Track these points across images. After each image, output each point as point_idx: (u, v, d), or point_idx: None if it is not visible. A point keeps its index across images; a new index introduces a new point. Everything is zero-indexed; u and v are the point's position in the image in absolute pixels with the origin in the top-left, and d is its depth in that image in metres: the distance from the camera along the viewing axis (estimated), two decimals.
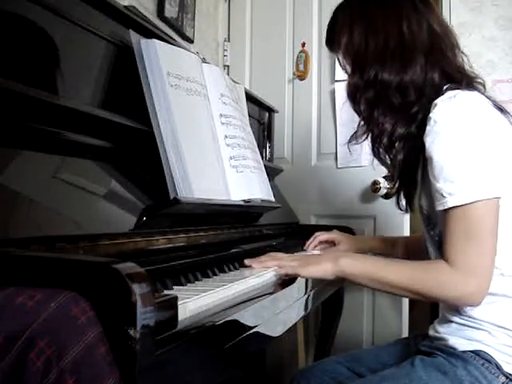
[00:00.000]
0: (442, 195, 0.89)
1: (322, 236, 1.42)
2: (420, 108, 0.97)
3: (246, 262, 1.09)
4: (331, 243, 1.43)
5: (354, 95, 1.04)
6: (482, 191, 0.86)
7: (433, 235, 1.02)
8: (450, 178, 0.88)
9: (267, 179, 1.40)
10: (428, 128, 0.92)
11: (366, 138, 1.07)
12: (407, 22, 0.98)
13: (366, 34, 1.00)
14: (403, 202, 1.14)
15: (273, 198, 1.40)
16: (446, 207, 0.88)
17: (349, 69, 1.06)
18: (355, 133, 1.08)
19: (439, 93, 0.94)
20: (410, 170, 1.04)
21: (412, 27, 0.98)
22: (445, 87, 0.96)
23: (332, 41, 1.09)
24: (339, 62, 1.09)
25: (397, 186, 1.13)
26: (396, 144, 1.01)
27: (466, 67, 1.01)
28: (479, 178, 0.86)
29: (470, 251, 0.87)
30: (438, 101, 0.92)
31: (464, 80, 0.98)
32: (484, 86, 1.00)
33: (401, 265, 1.01)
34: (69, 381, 0.51)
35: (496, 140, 0.91)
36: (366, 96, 1.01)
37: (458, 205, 0.87)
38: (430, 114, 0.92)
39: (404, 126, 0.99)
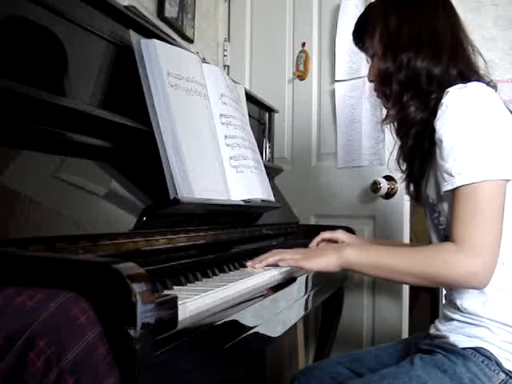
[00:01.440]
0: (451, 175, 0.91)
1: (325, 234, 1.43)
2: (436, 97, 1.01)
3: (248, 264, 1.09)
4: (335, 242, 1.43)
5: (385, 78, 1.08)
6: (490, 171, 0.88)
7: (437, 224, 1.04)
8: (459, 158, 0.90)
9: (267, 179, 1.40)
10: (439, 113, 0.96)
11: (395, 119, 1.11)
12: (438, 21, 1.05)
13: (400, 23, 1.06)
14: (412, 189, 1.16)
15: (273, 198, 1.40)
16: (454, 186, 0.90)
17: (379, 55, 1.10)
18: (387, 115, 1.14)
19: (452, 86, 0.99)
20: (419, 156, 1.06)
21: (442, 26, 1.04)
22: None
23: (364, 30, 1.14)
24: (368, 50, 1.14)
25: (407, 172, 1.15)
26: (411, 129, 1.05)
27: (482, 72, 1.06)
28: (488, 159, 0.89)
29: (476, 230, 0.88)
30: (450, 89, 0.97)
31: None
32: (496, 89, 1.04)
33: (407, 250, 1.03)
34: (69, 381, 0.51)
35: (505, 126, 0.94)
36: (398, 78, 1.05)
37: (466, 183, 0.89)
38: (442, 100, 0.96)
39: (421, 111, 1.03)
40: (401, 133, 1.10)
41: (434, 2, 1.08)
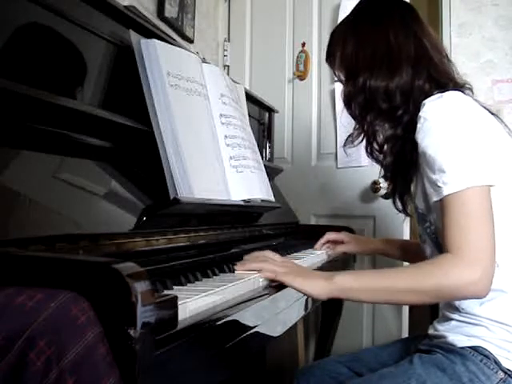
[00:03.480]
0: (437, 185, 0.91)
1: (331, 235, 1.45)
2: (405, 111, 1.02)
3: (236, 268, 1.01)
4: (340, 243, 1.46)
5: (348, 102, 1.11)
6: (475, 178, 0.88)
7: (429, 233, 1.04)
8: (443, 169, 0.90)
9: (267, 179, 1.40)
10: (419, 126, 0.96)
11: (361, 140, 1.12)
12: (394, 35, 1.05)
13: (356, 46, 1.08)
14: (399, 203, 1.16)
15: (273, 198, 1.40)
16: (441, 196, 0.90)
17: (343, 79, 1.13)
18: (350, 135, 1.15)
19: (427, 97, 0.98)
20: (401, 172, 1.08)
21: (399, 39, 1.04)
22: (434, 92, 1.00)
23: (329, 56, 1.16)
24: (335, 74, 1.16)
25: (391, 187, 1.17)
26: (385, 146, 1.06)
27: (455, 75, 1.06)
28: (471, 166, 0.89)
29: (471, 237, 0.87)
30: (426, 101, 0.97)
31: (451, 85, 1.02)
32: (472, 91, 1.05)
33: (403, 268, 1.01)
34: (69, 381, 0.51)
35: (484, 131, 0.94)
36: (357, 101, 1.08)
37: (452, 192, 0.88)
38: (420, 113, 0.96)
39: (391, 128, 1.04)
40: (371, 151, 1.10)
41: (389, 16, 1.08)
